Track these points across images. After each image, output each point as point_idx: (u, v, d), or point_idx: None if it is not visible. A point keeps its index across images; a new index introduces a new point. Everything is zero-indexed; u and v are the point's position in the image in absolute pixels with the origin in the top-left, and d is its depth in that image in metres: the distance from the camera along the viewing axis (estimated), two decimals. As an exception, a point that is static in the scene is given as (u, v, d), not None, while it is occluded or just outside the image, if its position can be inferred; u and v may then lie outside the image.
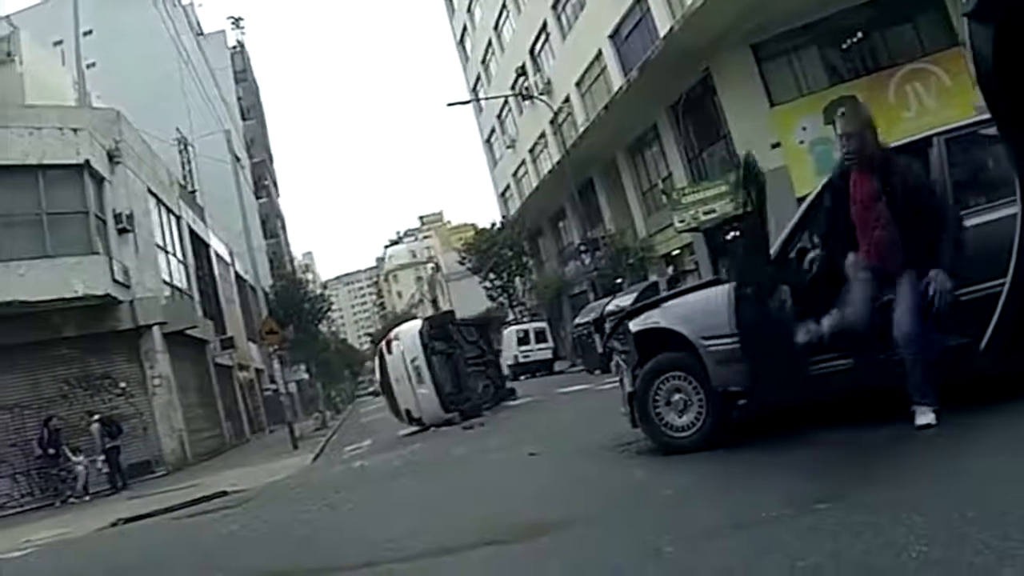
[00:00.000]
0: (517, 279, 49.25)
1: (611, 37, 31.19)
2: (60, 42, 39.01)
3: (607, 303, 25.75)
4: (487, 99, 48.95)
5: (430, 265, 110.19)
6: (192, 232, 30.41)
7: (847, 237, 5.69)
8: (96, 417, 19.21)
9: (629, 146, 32.01)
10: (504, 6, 44.47)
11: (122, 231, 21.65)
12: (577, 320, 29.33)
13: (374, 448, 16.45)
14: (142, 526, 11.50)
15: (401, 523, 6.47)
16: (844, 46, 22.96)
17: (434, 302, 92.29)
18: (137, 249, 22.25)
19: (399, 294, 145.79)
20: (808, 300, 5.92)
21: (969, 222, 5.35)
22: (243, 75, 70.49)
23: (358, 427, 29.05)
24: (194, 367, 26.05)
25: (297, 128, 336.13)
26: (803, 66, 23.37)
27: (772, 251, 5.98)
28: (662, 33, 25.03)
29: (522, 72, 42.26)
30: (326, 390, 63.38)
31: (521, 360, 35.87)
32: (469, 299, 58.07)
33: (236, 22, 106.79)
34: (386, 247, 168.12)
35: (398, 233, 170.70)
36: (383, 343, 19.30)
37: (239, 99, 66.59)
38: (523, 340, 37.37)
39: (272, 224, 68.05)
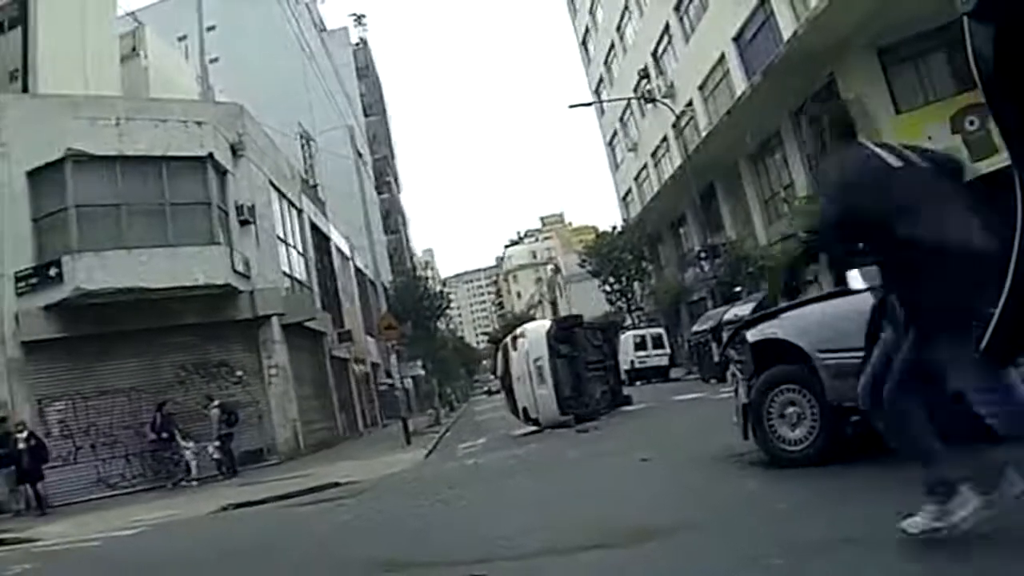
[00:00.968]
0: (636, 284, 48.98)
1: (735, 40, 30.71)
2: (184, 38, 40.43)
3: (725, 311, 25.42)
4: (609, 101, 48.81)
5: (550, 266, 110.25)
6: (313, 225, 30.92)
7: None
8: (216, 403, 19.69)
9: (751, 152, 31.47)
10: (626, 7, 44.25)
11: (244, 223, 22.06)
12: (694, 328, 29.04)
13: (488, 446, 16.68)
14: (253, 512, 11.84)
15: (514, 521, 6.59)
16: (972, 52, 22.00)
17: (553, 304, 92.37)
18: (258, 241, 22.69)
19: (518, 294, 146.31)
20: None
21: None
22: (365, 72, 71.91)
23: (472, 425, 29.38)
24: (311, 359, 26.40)
25: (420, 125, 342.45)
26: (930, 72, 22.48)
27: None
28: (786, 36, 24.58)
29: (644, 74, 42.03)
30: (441, 387, 64.23)
31: (637, 366, 35.72)
32: (588, 302, 58.09)
33: (359, 19, 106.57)
34: (506, 247, 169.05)
35: (518, 233, 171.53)
36: (509, 339, 19.49)
37: (362, 95, 67.97)
38: (640, 345, 37.21)
39: (393, 220, 69.26)
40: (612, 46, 48.84)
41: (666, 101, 37.30)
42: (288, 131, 36.46)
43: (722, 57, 32.10)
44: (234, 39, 48.82)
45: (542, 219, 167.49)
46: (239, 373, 21.56)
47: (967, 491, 3.70)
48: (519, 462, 12.00)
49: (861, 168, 4.14)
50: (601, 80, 52.84)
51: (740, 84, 29.71)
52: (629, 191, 51.99)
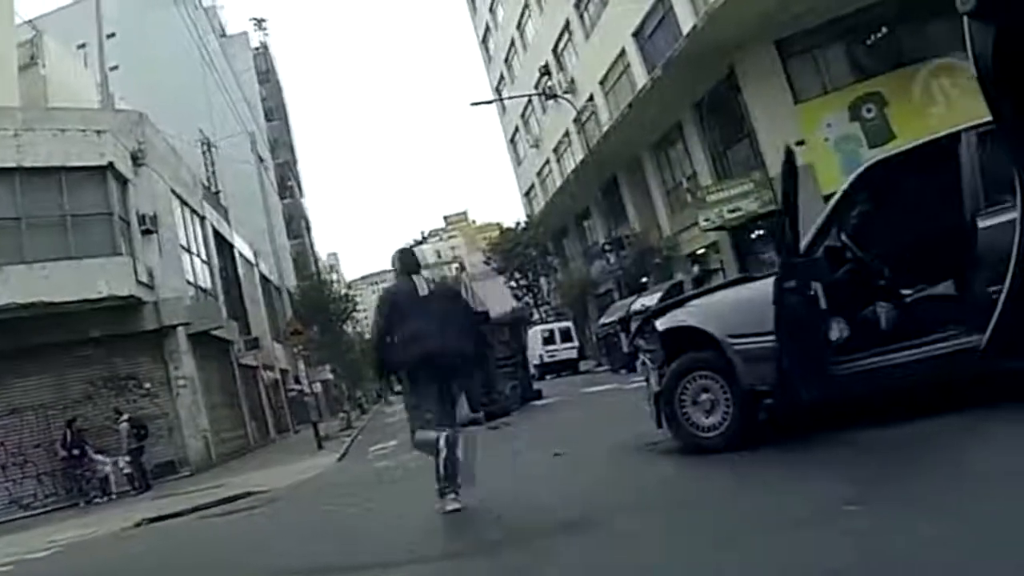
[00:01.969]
0: (542, 279, 49.16)
1: (635, 35, 31.03)
2: (83, 45, 39.27)
3: (632, 302, 25.58)
4: (510, 98, 48.87)
5: (455, 265, 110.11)
6: (216, 232, 30.43)
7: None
8: (125, 417, 19.34)
9: (654, 145, 31.80)
10: (526, 5, 44.36)
11: (146, 232, 21.66)
12: (602, 319, 29.18)
13: (399, 448, 16.36)
14: (167, 526, 11.51)
15: (421, 525, 6.46)
16: (868, 42, 22.63)
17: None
18: (161, 250, 22.27)
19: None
20: (838, 297, 5.86)
21: (1001, 218, 5.24)
22: (266, 76, 70.80)
23: (383, 427, 28.99)
24: (218, 367, 26.07)
25: (321, 130, 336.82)
26: (828, 62, 23.12)
27: (802, 246, 5.92)
28: (686, 31, 24.90)
29: (545, 71, 42.14)
30: (351, 390, 63.49)
31: (546, 360, 35.75)
32: (494, 299, 57.88)
33: (259, 23, 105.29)
34: (411, 247, 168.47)
35: (423, 233, 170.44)
36: None
37: (263, 100, 66.91)
38: (548, 340, 37.23)
39: (296, 225, 68.31)
40: (512, 44, 48.95)
41: (567, 97, 37.50)
42: (190, 138, 35.86)
43: (623, 52, 32.40)
44: (135, 46, 47.88)
45: (446, 218, 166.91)
46: (147, 385, 21.20)
47: None
48: (431, 463, 11.74)
49: (396, 291, 6.89)
50: (502, 78, 52.89)
51: (641, 78, 30.03)
52: (532, 187, 52.17)
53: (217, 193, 35.99)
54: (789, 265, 5.69)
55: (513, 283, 49.56)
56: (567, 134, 42.16)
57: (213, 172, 38.32)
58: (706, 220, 25.36)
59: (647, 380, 7.06)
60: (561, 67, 41.00)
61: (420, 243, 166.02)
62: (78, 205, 19.72)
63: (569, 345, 37.54)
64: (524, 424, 15.12)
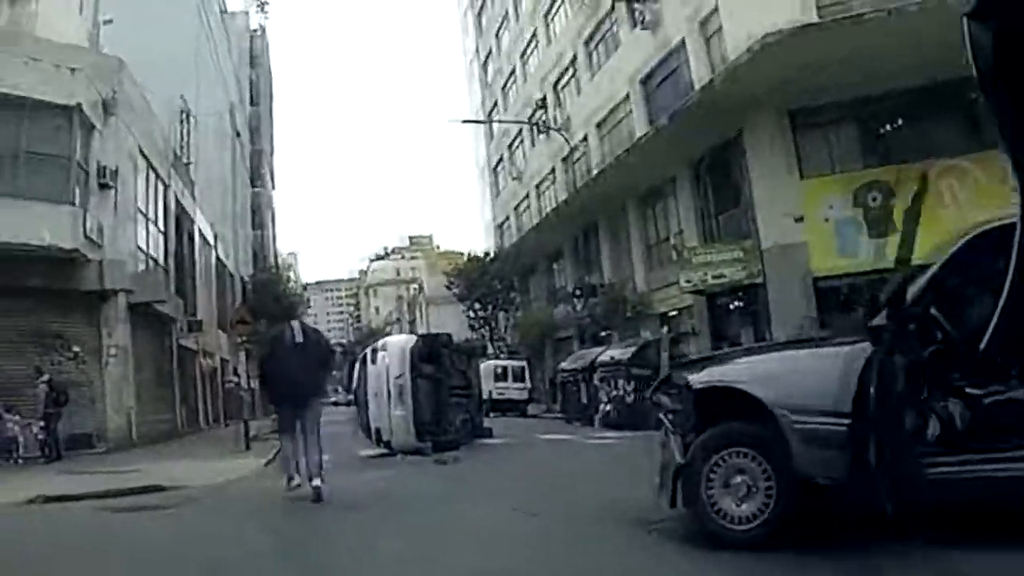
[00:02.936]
0: (501, 313, 48.30)
1: (642, 82, 30.26)
2: (83, -9, 37.94)
3: (600, 352, 24.65)
4: (501, 122, 48.33)
5: (414, 286, 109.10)
6: (178, 204, 29.07)
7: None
8: (45, 378, 17.63)
9: (641, 196, 30.98)
10: (535, 35, 43.63)
11: (103, 186, 20.20)
12: (563, 365, 28.18)
13: (333, 467, 15.00)
14: (60, 509, 10.05)
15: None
16: (882, 131, 21.96)
17: (412, 323, 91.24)
18: (116, 208, 20.86)
19: (376, 309, 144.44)
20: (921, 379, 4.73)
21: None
22: (258, 60, 69.51)
23: (316, 438, 27.53)
24: (155, 344, 24.75)
25: (299, 126, 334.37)
26: (839, 142, 22.42)
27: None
28: (697, 84, 24.12)
29: (542, 105, 41.26)
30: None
31: (495, 396, 34.31)
32: (448, 326, 56.59)
33: (261, 6, 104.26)
34: (372, 261, 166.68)
35: (385, 249, 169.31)
36: (369, 351, 17.89)
37: (251, 83, 65.75)
38: (500, 376, 36.10)
39: (262, 215, 66.69)
40: (513, 72, 48.32)
41: (562, 132, 36.64)
42: (170, 103, 34.50)
43: (626, 97, 31.59)
44: (132, 2, 46.27)
45: (411, 238, 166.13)
46: (75, 349, 19.58)
47: None
48: (369, 491, 10.39)
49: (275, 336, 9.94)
50: (495, 105, 52.17)
51: (640, 126, 29.27)
52: (507, 219, 51.34)
53: (188, 164, 34.63)
54: (890, 331, 4.52)
55: (471, 313, 48.73)
56: (553, 171, 41.39)
57: (187, 143, 36.92)
58: (687, 281, 24.49)
59: (664, 445, 5.79)
60: (559, 103, 40.20)
61: (382, 258, 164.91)
62: (36, 143, 18.22)
63: (520, 385, 36.54)
64: (475, 463, 13.73)
